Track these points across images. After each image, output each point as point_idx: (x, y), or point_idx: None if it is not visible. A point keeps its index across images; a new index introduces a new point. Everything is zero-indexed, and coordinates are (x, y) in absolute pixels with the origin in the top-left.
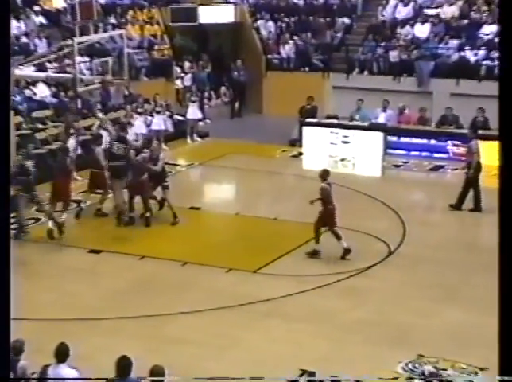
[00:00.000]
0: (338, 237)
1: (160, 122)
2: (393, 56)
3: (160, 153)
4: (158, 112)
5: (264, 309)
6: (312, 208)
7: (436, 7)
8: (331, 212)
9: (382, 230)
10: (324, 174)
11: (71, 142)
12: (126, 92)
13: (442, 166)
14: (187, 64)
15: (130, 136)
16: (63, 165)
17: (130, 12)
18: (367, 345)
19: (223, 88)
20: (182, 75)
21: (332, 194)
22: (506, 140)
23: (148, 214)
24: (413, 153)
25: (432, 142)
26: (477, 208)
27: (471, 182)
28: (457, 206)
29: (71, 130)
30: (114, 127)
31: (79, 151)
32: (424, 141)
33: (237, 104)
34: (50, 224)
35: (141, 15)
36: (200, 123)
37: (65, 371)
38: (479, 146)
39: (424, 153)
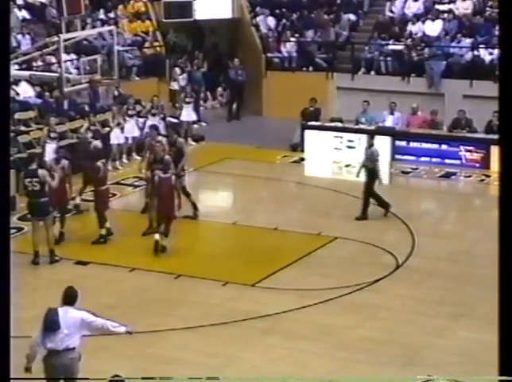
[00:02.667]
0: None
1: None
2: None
3: (164, 155)
4: (154, 114)
5: (263, 325)
6: (315, 218)
7: (449, 2)
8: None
9: (390, 241)
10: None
11: (52, 147)
12: (116, 93)
13: (454, 173)
14: (182, 63)
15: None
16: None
17: (120, 7)
18: (374, 366)
19: (219, 89)
20: (181, 76)
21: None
22: (507, 145)
23: (103, 231)
24: (422, 159)
25: (444, 147)
26: (364, 215)
27: (366, 188)
28: (386, 210)
29: (53, 134)
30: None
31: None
32: (435, 146)
33: (235, 106)
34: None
35: (132, 10)
36: (195, 126)
37: (77, 313)
38: (379, 153)
39: (434, 159)
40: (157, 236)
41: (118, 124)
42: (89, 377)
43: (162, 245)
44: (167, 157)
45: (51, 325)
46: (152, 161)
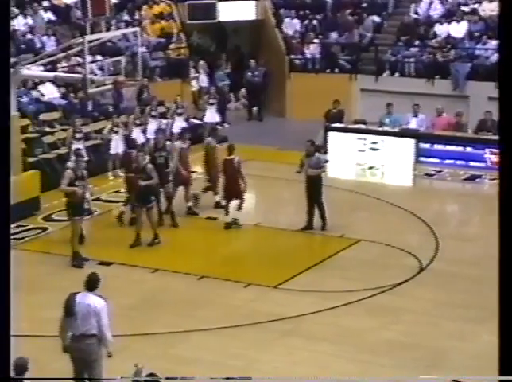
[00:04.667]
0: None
1: (181, 125)
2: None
3: (146, 164)
4: (180, 114)
5: (285, 327)
6: (338, 220)
7: (474, 3)
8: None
9: (413, 244)
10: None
11: (78, 147)
12: (146, 94)
13: (479, 176)
14: (202, 64)
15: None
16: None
17: (145, 7)
18: (397, 369)
19: (242, 90)
20: (196, 75)
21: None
22: (507, 145)
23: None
24: (447, 161)
25: (468, 149)
26: (309, 225)
27: (312, 196)
28: (309, 226)
29: (78, 135)
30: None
31: (86, 157)
32: (460, 148)
33: (256, 107)
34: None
35: (156, 12)
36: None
37: (94, 299)
38: (321, 160)
39: (459, 162)
40: (227, 219)
41: (141, 124)
42: (111, 377)
43: (233, 220)
44: (149, 165)
45: (67, 311)
46: (134, 171)
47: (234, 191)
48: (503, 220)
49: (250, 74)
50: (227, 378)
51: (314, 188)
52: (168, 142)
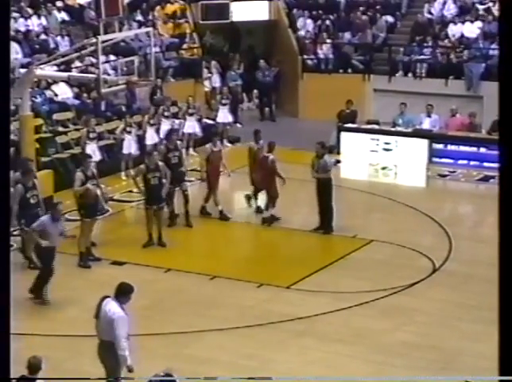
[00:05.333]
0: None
1: (193, 125)
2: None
3: (157, 162)
4: (191, 114)
5: (298, 328)
6: (351, 221)
7: (488, 2)
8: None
9: (427, 245)
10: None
11: (91, 147)
12: (158, 94)
13: (492, 177)
14: (215, 64)
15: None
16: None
17: (158, 8)
18: (410, 370)
19: (255, 91)
20: (209, 75)
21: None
22: (507, 145)
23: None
24: (460, 162)
25: (482, 150)
26: (325, 227)
27: (322, 198)
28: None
29: (92, 135)
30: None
31: (100, 157)
32: (474, 149)
33: (267, 108)
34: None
35: (169, 12)
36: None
37: (112, 306)
38: (329, 163)
39: (472, 163)
40: (252, 203)
41: (153, 125)
42: (125, 377)
43: (270, 216)
44: (160, 163)
45: (95, 313)
46: (145, 170)
47: (263, 186)
48: (503, 220)
49: (260, 75)
50: (249, 378)
51: (323, 190)
52: (179, 142)
